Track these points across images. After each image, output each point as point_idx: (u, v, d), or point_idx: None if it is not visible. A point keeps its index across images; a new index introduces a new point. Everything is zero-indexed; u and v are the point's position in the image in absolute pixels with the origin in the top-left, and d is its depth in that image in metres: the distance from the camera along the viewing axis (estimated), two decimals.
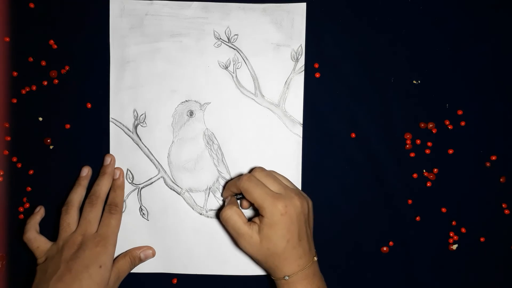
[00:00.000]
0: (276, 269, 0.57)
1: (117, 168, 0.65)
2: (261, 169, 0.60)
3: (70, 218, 0.61)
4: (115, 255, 0.62)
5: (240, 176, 0.59)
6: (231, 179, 0.64)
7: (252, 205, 0.59)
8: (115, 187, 0.64)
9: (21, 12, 0.64)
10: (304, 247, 0.57)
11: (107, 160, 0.64)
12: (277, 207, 0.56)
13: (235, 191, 0.60)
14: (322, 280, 0.59)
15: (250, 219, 0.59)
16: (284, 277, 0.57)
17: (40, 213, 0.64)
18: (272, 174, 0.60)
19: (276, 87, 0.64)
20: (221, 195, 0.65)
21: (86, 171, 0.64)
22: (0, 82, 0.64)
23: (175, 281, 0.65)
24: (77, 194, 0.63)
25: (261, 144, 0.65)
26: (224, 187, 0.64)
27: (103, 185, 0.63)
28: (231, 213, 0.58)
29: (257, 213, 0.58)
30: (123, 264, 0.63)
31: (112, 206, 0.63)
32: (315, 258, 0.59)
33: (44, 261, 0.60)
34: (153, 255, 0.65)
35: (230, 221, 0.58)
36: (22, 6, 0.64)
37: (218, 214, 0.64)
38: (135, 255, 0.64)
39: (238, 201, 0.61)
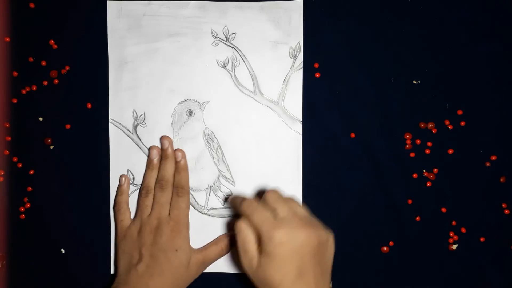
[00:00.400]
0: None
1: (178, 149, 0.64)
2: (275, 192, 0.57)
3: (148, 201, 0.63)
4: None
5: (245, 198, 0.59)
6: (237, 197, 0.63)
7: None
8: (179, 169, 0.64)
9: (21, 12, 0.64)
10: (307, 286, 0.51)
11: (165, 143, 0.64)
12: (274, 236, 0.51)
13: (236, 209, 0.60)
14: None
15: None
16: None
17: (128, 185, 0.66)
18: (284, 199, 0.56)
19: (275, 84, 0.64)
20: (225, 199, 0.65)
21: (155, 153, 0.64)
22: (0, 82, 0.64)
23: None
24: (152, 178, 0.64)
25: (261, 142, 0.65)
26: (232, 199, 0.64)
27: (168, 168, 0.64)
28: (245, 228, 0.55)
29: None
30: (212, 251, 0.63)
31: (179, 188, 0.63)
32: None
33: (123, 239, 0.63)
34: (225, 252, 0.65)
35: (241, 235, 0.55)
36: (22, 6, 0.64)
37: (227, 200, 0.65)
38: (226, 242, 0.64)
39: None
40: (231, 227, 0.64)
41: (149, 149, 0.64)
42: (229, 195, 0.65)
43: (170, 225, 0.61)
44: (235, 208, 0.61)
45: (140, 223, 0.62)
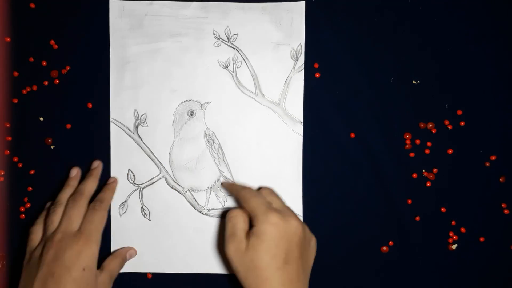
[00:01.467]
0: None
1: (112, 177, 0.65)
2: (269, 188, 0.60)
3: (54, 216, 0.58)
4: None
5: (244, 186, 0.60)
6: (235, 184, 0.64)
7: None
8: (105, 188, 0.63)
9: (22, 12, 0.64)
10: (291, 274, 0.52)
11: (95, 163, 0.64)
12: (269, 217, 0.53)
13: (234, 194, 0.60)
14: None
15: None
16: None
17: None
18: (279, 196, 0.59)
19: (276, 86, 0.64)
20: (221, 184, 0.65)
21: (75, 172, 0.63)
22: (1, 82, 0.64)
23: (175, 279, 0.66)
24: (66, 194, 0.61)
25: (262, 143, 0.65)
26: (227, 184, 0.64)
27: (88, 183, 0.61)
28: (236, 214, 0.57)
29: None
30: (115, 265, 0.61)
31: (97, 202, 0.60)
32: None
33: (28, 260, 0.57)
34: (135, 254, 0.65)
35: (233, 220, 0.56)
36: (22, 6, 0.64)
37: (223, 184, 0.64)
38: (124, 255, 0.63)
39: None
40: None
41: (70, 169, 0.64)
42: (227, 180, 0.65)
43: (77, 237, 0.56)
44: (231, 192, 0.61)
45: (44, 241, 0.57)
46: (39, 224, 0.60)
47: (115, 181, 0.64)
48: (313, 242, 0.57)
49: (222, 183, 0.65)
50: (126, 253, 0.64)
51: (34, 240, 0.59)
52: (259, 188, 0.61)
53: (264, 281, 0.52)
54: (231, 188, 0.62)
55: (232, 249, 0.55)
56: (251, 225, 0.56)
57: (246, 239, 0.54)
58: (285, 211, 0.56)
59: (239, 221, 0.56)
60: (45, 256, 0.55)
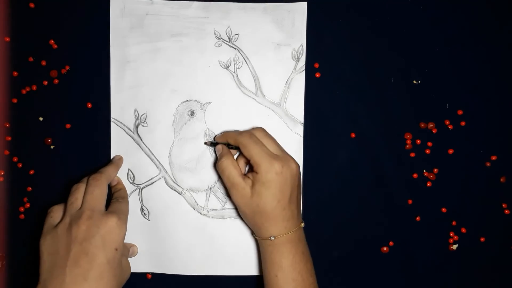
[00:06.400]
0: (262, 228, 0.58)
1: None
2: (262, 129, 0.61)
3: (78, 193, 0.58)
4: None
5: (240, 131, 0.61)
6: (229, 131, 0.64)
7: (247, 163, 0.62)
8: (118, 186, 0.64)
9: (21, 12, 0.64)
10: (293, 211, 0.58)
11: (117, 157, 0.64)
12: (273, 166, 0.56)
13: (232, 143, 0.61)
14: (306, 247, 0.59)
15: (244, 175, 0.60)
16: (270, 237, 0.57)
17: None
18: (271, 136, 0.61)
19: (277, 86, 0.64)
20: (213, 138, 0.64)
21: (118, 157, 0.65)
22: (1, 82, 0.64)
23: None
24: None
25: None
26: (220, 134, 0.64)
27: (109, 168, 0.61)
28: (227, 164, 0.59)
29: (251, 169, 0.59)
30: (134, 249, 0.64)
31: (119, 197, 0.62)
32: (302, 225, 0.59)
33: (50, 237, 0.56)
34: (136, 252, 0.65)
35: (226, 171, 0.59)
36: (22, 6, 0.64)
37: (215, 165, 0.63)
38: (129, 246, 0.64)
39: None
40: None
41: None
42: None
43: (110, 217, 0.56)
44: (228, 139, 0.61)
45: (70, 218, 0.56)
46: (61, 205, 0.59)
47: (123, 186, 0.65)
48: (300, 171, 0.61)
49: (215, 137, 0.64)
50: (129, 249, 0.64)
51: (54, 218, 0.58)
52: (252, 129, 0.62)
53: (271, 220, 0.57)
54: (226, 137, 0.62)
55: (237, 197, 0.59)
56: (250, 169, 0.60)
57: (248, 184, 0.58)
58: (284, 155, 0.59)
59: (232, 170, 0.59)
60: (77, 233, 0.54)
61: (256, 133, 0.60)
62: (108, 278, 0.54)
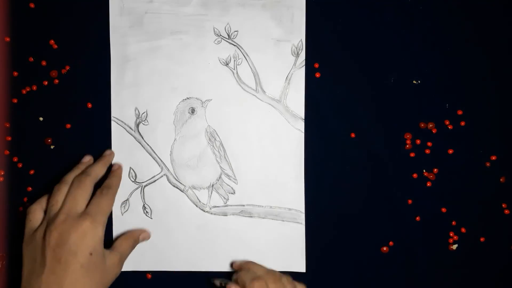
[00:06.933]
0: None
1: (117, 163, 0.64)
2: (274, 272, 0.60)
3: (59, 195, 0.56)
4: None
5: (250, 275, 0.60)
6: (239, 272, 0.62)
7: None
8: (111, 174, 0.62)
9: (21, 12, 0.64)
10: None
11: (107, 152, 0.64)
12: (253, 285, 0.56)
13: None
14: None
15: None
16: None
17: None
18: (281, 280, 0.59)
19: (277, 82, 0.65)
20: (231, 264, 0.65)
21: (87, 158, 0.63)
22: (1, 82, 0.64)
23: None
24: (72, 174, 0.59)
25: (263, 140, 0.65)
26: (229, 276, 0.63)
27: (96, 167, 0.60)
28: None
29: None
30: (127, 245, 0.60)
31: (104, 188, 0.59)
32: None
33: (29, 242, 0.55)
34: (149, 237, 0.64)
35: None
36: (22, 6, 0.64)
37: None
38: (136, 237, 0.63)
39: None
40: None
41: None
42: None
43: (83, 219, 0.54)
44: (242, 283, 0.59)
45: (47, 222, 0.55)
46: (39, 203, 0.58)
47: (120, 167, 0.64)
48: None
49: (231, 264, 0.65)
50: (139, 235, 0.63)
51: (33, 221, 0.57)
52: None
53: None
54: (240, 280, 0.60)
55: None
56: None
57: None
58: (269, 276, 0.58)
59: None
60: (49, 239, 0.53)
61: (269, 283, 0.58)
62: (84, 282, 0.53)
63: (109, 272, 0.56)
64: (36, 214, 0.57)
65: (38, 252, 0.53)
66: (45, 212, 0.57)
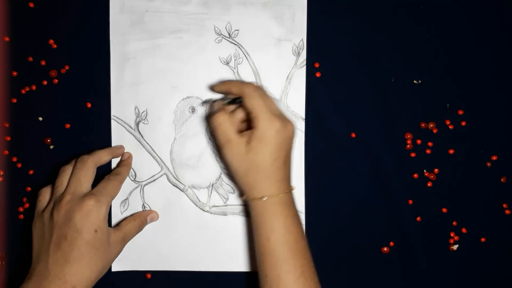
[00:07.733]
0: (255, 187, 0.57)
1: (127, 152, 0.65)
2: (261, 88, 0.60)
3: (64, 176, 0.59)
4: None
5: (244, 81, 0.60)
6: (232, 80, 0.63)
7: (242, 120, 0.60)
8: (121, 163, 0.64)
9: (21, 11, 0.64)
10: (287, 172, 0.58)
11: (119, 146, 0.64)
12: (274, 123, 0.56)
13: (235, 91, 0.59)
14: (297, 212, 0.58)
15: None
16: (262, 197, 0.56)
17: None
18: (270, 96, 0.59)
19: (277, 82, 0.65)
20: (213, 88, 0.64)
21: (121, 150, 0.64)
22: (0, 82, 0.64)
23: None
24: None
25: None
26: (219, 83, 0.63)
27: (102, 152, 0.61)
28: (224, 119, 0.58)
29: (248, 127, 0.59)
30: (132, 226, 0.62)
31: (112, 174, 0.61)
32: (294, 188, 0.59)
33: (37, 222, 0.58)
34: (157, 218, 0.64)
35: (222, 127, 0.58)
36: (22, 6, 0.64)
37: (208, 119, 0.63)
38: (143, 218, 0.63)
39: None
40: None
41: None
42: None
43: (87, 199, 0.56)
44: (231, 87, 0.60)
45: (53, 202, 0.58)
46: (49, 186, 0.61)
47: (130, 156, 0.64)
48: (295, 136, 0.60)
49: (218, 85, 0.63)
50: (147, 216, 0.64)
51: (42, 201, 0.60)
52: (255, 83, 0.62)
53: (264, 178, 0.57)
54: (227, 85, 0.61)
55: (230, 153, 0.58)
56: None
57: (243, 141, 0.57)
58: (284, 116, 0.58)
59: (228, 126, 0.58)
60: (56, 218, 0.56)
61: (258, 91, 0.58)
62: (90, 258, 0.55)
63: (112, 248, 0.58)
64: (45, 196, 0.60)
65: (46, 230, 0.56)
66: (51, 194, 0.60)
